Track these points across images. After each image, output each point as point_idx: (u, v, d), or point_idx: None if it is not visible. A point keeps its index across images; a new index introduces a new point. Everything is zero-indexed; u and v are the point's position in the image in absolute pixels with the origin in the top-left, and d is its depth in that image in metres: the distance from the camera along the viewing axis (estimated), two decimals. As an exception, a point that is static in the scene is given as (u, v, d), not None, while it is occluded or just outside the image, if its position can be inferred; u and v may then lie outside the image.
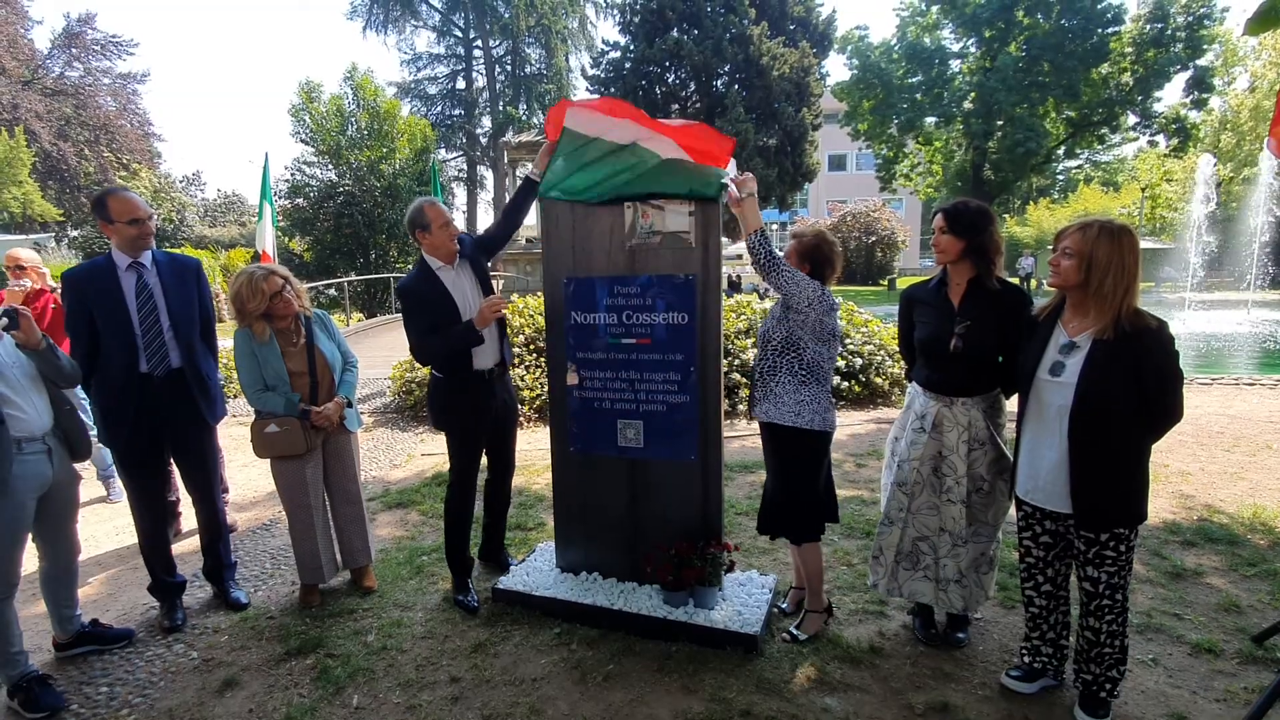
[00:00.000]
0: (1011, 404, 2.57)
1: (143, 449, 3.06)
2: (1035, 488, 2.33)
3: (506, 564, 3.58)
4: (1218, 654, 2.72)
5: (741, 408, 6.84)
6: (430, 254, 3.11)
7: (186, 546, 4.00)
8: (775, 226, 40.61)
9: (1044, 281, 27.82)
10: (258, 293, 3.02)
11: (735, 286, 22.84)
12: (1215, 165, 24.86)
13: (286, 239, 19.55)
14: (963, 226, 2.53)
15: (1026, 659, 2.55)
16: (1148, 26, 24.25)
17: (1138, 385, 2.09)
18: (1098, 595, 2.25)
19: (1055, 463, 2.25)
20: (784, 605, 3.16)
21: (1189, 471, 4.85)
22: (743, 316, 7.74)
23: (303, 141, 20.08)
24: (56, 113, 26.59)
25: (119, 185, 3.05)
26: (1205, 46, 24.27)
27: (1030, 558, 2.46)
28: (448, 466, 3.32)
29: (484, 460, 3.42)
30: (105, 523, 4.56)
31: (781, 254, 2.77)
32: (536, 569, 3.42)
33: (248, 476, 5.42)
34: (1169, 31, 23.82)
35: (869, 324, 7.79)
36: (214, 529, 3.34)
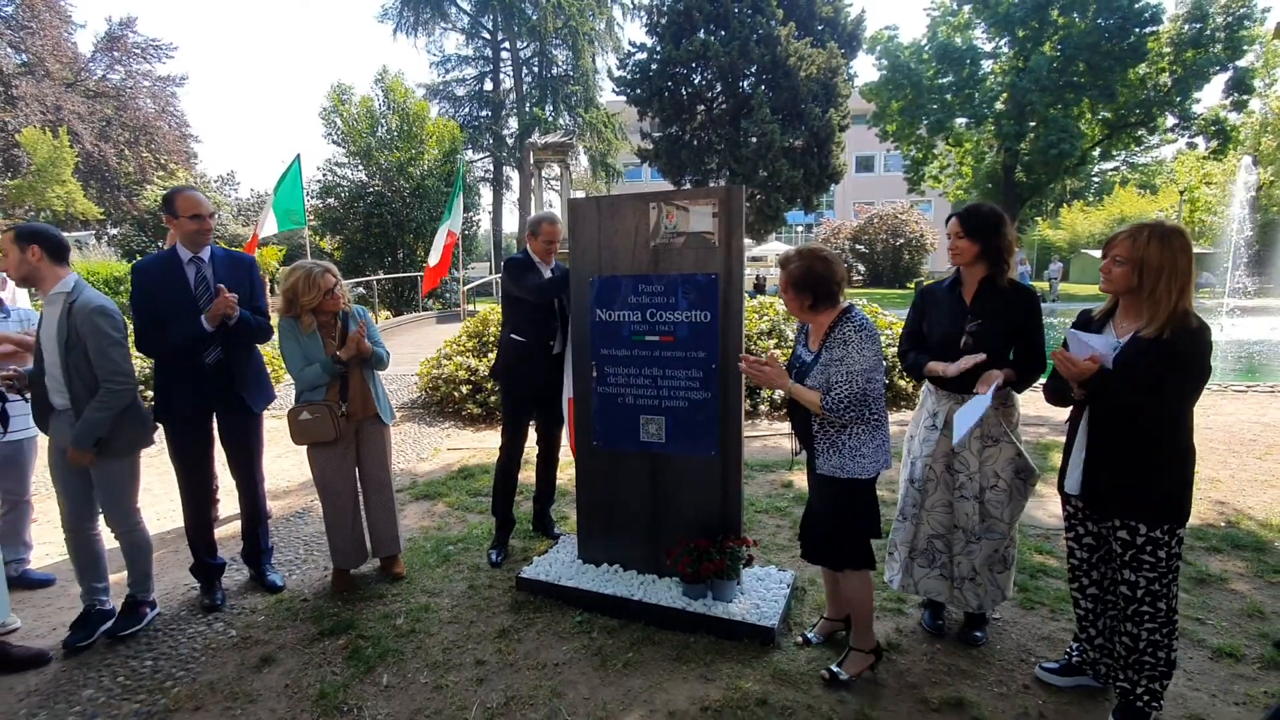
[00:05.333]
0: (1027, 405, 2.58)
1: (193, 434, 3.25)
2: (1073, 480, 2.34)
3: (555, 534, 4.05)
4: (1239, 658, 2.72)
5: (763, 408, 6.87)
6: (534, 252, 3.77)
7: (225, 532, 4.15)
8: (800, 229, 40.46)
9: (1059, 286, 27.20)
10: (314, 286, 3.20)
11: (760, 288, 22.80)
12: (1256, 168, 24.17)
13: (317, 238, 19.93)
14: (976, 230, 2.59)
15: (1068, 655, 2.59)
16: (1186, 26, 23.63)
17: (1162, 375, 2.07)
18: (1135, 600, 2.23)
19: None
20: (809, 635, 2.89)
21: (1219, 478, 4.78)
22: (765, 317, 7.76)
23: (334, 143, 20.46)
24: (98, 114, 27.33)
25: (186, 185, 3.26)
26: (1245, 47, 23.59)
27: (1074, 559, 2.48)
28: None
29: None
30: (147, 508, 4.72)
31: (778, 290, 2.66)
32: (559, 560, 3.51)
33: (281, 467, 5.58)
34: (1208, 32, 23.19)
35: (893, 326, 7.76)
36: (254, 514, 3.49)
